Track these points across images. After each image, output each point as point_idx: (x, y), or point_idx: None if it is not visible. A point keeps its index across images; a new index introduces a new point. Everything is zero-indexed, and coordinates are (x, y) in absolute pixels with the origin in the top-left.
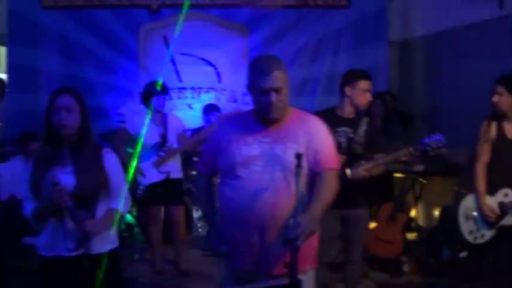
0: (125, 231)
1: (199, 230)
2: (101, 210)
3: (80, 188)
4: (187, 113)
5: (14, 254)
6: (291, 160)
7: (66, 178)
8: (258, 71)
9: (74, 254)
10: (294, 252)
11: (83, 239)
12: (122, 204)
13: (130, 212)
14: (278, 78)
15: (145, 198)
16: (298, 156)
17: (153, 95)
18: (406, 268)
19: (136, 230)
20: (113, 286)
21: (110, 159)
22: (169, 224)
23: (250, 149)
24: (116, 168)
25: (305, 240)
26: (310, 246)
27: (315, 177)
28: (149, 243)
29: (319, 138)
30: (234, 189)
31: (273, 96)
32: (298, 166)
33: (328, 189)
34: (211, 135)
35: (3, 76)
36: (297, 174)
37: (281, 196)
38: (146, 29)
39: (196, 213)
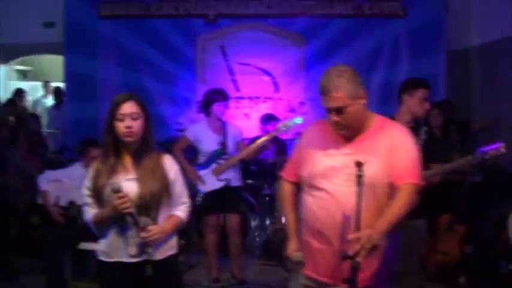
0: (182, 238)
1: (256, 239)
2: (162, 216)
3: (142, 195)
4: (245, 122)
5: (71, 259)
6: (371, 175)
7: (129, 185)
8: (320, 88)
9: (135, 260)
10: (354, 268)
11: (145, 245)
12: (183, 210)
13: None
14: (336, 99)
15: (203, 206)
16: (359, 164)
17: (213, 102)
18: (462, 280)
19: (193, 237)
20: None
21: (172, 166)
22: (226, 232)
23: (332, 160)
24: (177, 175)
25: (366, 255)
26: (382, 261)
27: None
28: (206, 251)
29: (401, 150)
30: (314, 200)
31: (334, 116)
32: (359, 175)
33: (401, 204)
34: (297, 141)
35: (61, 85)
36: (358, 183)
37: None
38: (203, 39)
39: (254, 222)
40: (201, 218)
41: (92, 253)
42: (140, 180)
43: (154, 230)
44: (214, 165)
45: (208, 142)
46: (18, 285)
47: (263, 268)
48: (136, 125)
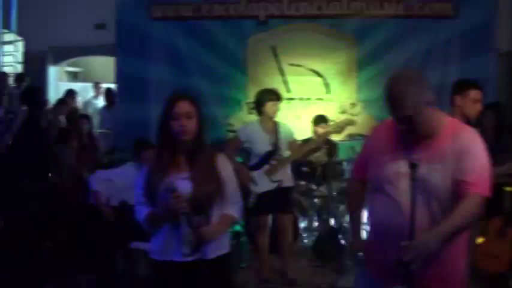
0: (233, 239)
1: (305, 240)
2: (215, 216)
3: (196, 194)
4: (296, 123)
5: (122, 259)
6: (435, 183)
7: (183, 184)
8: (387, 97)
9: (188, 259)
10: (407, 275)
11: (198, 244)
12: (236, 210)
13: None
14: (405, 108)
15: (255, 206)
16: (413, 166)
17: (265, 102)
18: None
19: (243, 238)
20: None
21: (225, 166)
22: (276, 232)
23: (399, 165)
24: (230, 174)
25: (420, 262)
26: (450, 270)
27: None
28: (256, 252)
29: (471, 158)
30: (377, 203)
31: (403, 125)
32: (413, 179)
33: (464, 213)
34: (366, 140)
35: (111, 86)
36: (412, 187)
37: (418, 219)
38: (255, 40)
39: (304, 224)
40: (251, 219)
41: (143, 253)
42: (194, 179)
43: (207, 229)
44: (266, 166)
45: (260, 143)
46: (69, 284)
47: (313, 269)
48: (191, 124)
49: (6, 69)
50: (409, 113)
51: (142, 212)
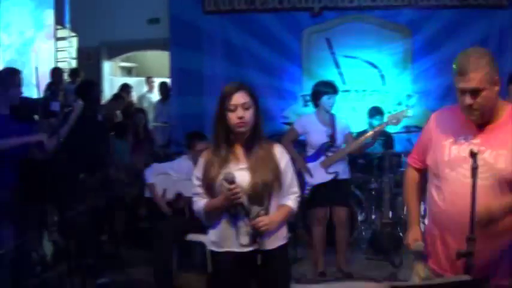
0: (289, 231)
1: (363, 233)
2: (273, 206)
3: (254, 184)
4: (351, 115)
5: (178, 251)
6: (501, 168)
7: (241, 174)
8: (456, 68)
9: (246, 249)
10: (468, 267)
11: (257, 234)
12: (293, 201)
13: None
14: (473, 80)
15: (311, 198)
16: (474, 155)
17: (322, 94)
18: None
19: (299, 230)
20: (283, 282)
21: (282, 155)
22: (333, 225)
23: (460, 150)
24: (287, 165)
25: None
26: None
27: None
28: (313, 245)
29: None
30: (438, 190)
31: (468, 99)
32: (475, 167)
33: None
34: (425, 127)
35: (166, 80)
36: (473, 175)
37: (482, 205)
38: (309, 32)
39: (360, 217)
40: (307, 212)
41: (198, 245)
42: (252, 169)
43: (265, 220)
44: (322, 158)
45: (316, 134)
46: (125, 276)
47: (369, 262)
48: (248, 115)
49: (60, 65)
50: (478, 86)
51: (200, 203)
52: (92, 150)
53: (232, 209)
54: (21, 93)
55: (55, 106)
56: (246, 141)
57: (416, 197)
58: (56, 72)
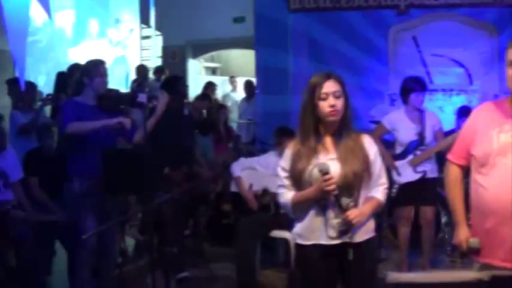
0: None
1: (447, 235)
2: (362, 197)
3: (344, 175)
4: (439, 115)
5: (261, 248)
6: None
7: (332, 165)
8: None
9: (334, 242)
10: None
11: (346, 227)
12: (382, 192)
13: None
14: None
15: (398, 197)
16: None
17: (412, 91)
18: None
19: (384, 230)
20: (370, 276)
21: (371, 146)
22: (418, 225)
23: (507, 136)
24: (376, 155)
25: None
26: None
27: None
28: (398, 244)
29: None
30: (488, 179)
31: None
32: None
33: None
34: (466, 123)
35: (249, 79)
36: None
37: None
38: (395, 30)
39: (444, 218)
40: (393, 211)
41: (282, 241)
42: (342, 159)
43: (355, 212)
44: (411, 156)
45: (405, 132)
46: (207, 272)
47: (453, 265)
48: (339, 104)
49: (145, 64)
50: None
51: (287, 195)
52: (177, 144)
53: (322, 201)
54: (106, 83)
55: (142, 98)
56: (335, 132)
57: (460, 195)
58: (142, 69)
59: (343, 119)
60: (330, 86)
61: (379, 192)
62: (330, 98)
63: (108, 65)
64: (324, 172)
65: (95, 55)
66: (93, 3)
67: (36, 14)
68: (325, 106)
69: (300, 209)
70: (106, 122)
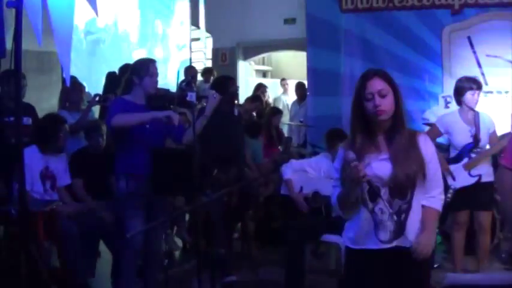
0: None
1: (503, 243)
2: (416, 200)
3: (396, 175)
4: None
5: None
6: None
7: (382, 165)
8: None
9: (385, 246)
10: None
11: (399, 230)
12: (438, 201)
13: None
14: None
15: (453, 202)
16: None
17: (466, 90)
18: None
19: (437, 236)
20: (422, 284)
21: (427, 145)
22: (473, 231)
23: None
24: (432, 155)
25: None
26: None
27: None
28: (451, 252)
29: None
30: None
31: None
32: None
33: None
34: None
35: (299, 81)
36: None
37: None
38: (449, 30)
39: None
40: (447, 216)
41: (333, 246)
42: (394, 159)
43: (422, 240)
44: (466, 159)
45: (460, 134)
46: (255, 276)
47: (509, 273)
48: (386, 102)
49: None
50: None
51: (335, 194)
52: (227, 146)
53: (371, 202)
54: (156, 82)
55: (191, 96)
56: (386, 131)
57: None
58: (191, 70)
59: (395, 116)
60: (374, 85)
61: (435, 200)
62: (375, 97)
63: (176, 68)
64: (349, 161)
65: (160, 57)
66: (158, 4)
67: (101, 14)
68: (370, 106)
69: (347, 207)
70: (154, 114)
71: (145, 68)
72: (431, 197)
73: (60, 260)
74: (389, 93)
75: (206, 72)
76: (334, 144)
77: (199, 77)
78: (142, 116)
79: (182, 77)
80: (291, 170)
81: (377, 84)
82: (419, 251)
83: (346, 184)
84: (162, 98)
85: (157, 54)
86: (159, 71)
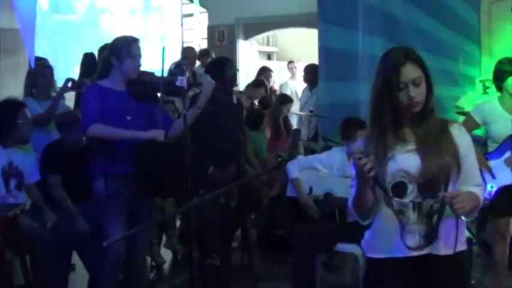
0: None
1: None
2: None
3: (426, 169)
4: None
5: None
6: None
7: (409, 158)
8: None
9: (415, 254)
10: None
11: (430, 234)
12: (480, 191)
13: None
14: None
15: (492, 206)
16: None
17: (508, 74)
18: None
19: (474, 247)
20: None
21: (462, 136)
22: None
23: None
24: (468, 147)
25: None
26: None
27: None
28: (492, 267)
29: None
30: None
31: None
32: None
33: None
34: None
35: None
36: None
37: None
38: (489, 2)
39: None
40: (486, 223)
41: (349, 257)
42: (423, 151)
43: (454, 194)
44: (508, 154)
45: (500, 125)
46: None
47: None
48: (420, 92)
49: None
50: None
51: (351, 195)
52: (224, 139)
53: (398, 204)
54: (139, 65)
55: (182, 81)
56: (415, 119)
57: None
58: (189, 51)
59: (425, 103)
60: (408, 73)
61: (476, 189)
62: (410, 87)
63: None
64: (354, 151)
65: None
66: None
67: None
68: (403, 98)
69: (363, 209)
70: (137, 134)
71: (126, 48)
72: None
73: (25, 275)
74: (423, 81)
75: (203, 54)
76: (352, 134)
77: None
78: (122, 133)
79: (172, 60)
80: (298, 168)
81: (411, 72)
82: (454, 201)
83: (359, 182)
84: (146, 84)
85: (141, 32)
86: (142, 51)
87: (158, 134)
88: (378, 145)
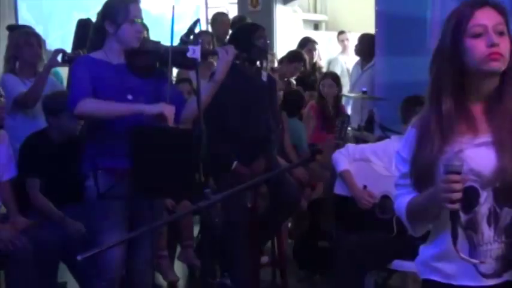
0: None
1: None
2: None
3: (504, 169)
4: None
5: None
6: None
7: (480, 153)
8: None
9: (490, 283)
10: None
11: (510, 256)
12: None
13: None
14: None
15: None
16: None
17: None
18: None
19: None
20: None
21: None
22: None
23: None
24: None
25: None
26: None
27: None
28: None
29: None
30: None
31: None
32: None
33: None
34: None
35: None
36: None
37: None
38: None
39: None
40: None
41: (409, 276)
42: (500, 145)
43: None
44: None
45: None
46: None
47: None
48: (503, 45)
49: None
50: None
51: (403, 200)
52: (251, 127)
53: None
54: (140, 31)
55: (194, 52)
56: (489, 99)
57: None
58: (219, 17)
59: (506, 77)
60: (486, 16)
61: None
62: (490, 33)
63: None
64: (451, 170)
65: None
66: None
67: None
68: (480, 45)
69: (421, 223)
70: (141, 107)
71: (123, 9)
72: None
73: None
74: (506, 34)
75: (236, 21)
76: (412, 116)
77: None
78: (121, 108)
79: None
80: (348, 159)
81: (492, 16)
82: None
83: (425, 197)
84: (150, 55)
85: None
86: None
87: (168, 109)
88: (433, 129)
